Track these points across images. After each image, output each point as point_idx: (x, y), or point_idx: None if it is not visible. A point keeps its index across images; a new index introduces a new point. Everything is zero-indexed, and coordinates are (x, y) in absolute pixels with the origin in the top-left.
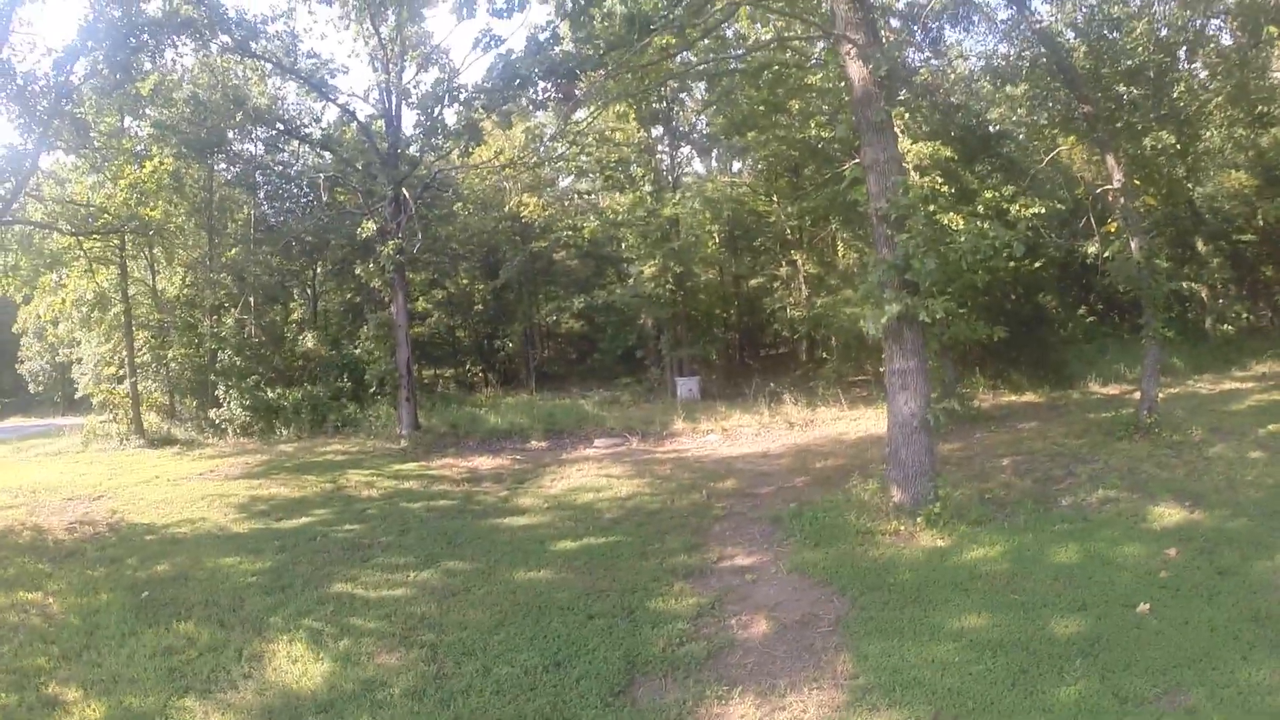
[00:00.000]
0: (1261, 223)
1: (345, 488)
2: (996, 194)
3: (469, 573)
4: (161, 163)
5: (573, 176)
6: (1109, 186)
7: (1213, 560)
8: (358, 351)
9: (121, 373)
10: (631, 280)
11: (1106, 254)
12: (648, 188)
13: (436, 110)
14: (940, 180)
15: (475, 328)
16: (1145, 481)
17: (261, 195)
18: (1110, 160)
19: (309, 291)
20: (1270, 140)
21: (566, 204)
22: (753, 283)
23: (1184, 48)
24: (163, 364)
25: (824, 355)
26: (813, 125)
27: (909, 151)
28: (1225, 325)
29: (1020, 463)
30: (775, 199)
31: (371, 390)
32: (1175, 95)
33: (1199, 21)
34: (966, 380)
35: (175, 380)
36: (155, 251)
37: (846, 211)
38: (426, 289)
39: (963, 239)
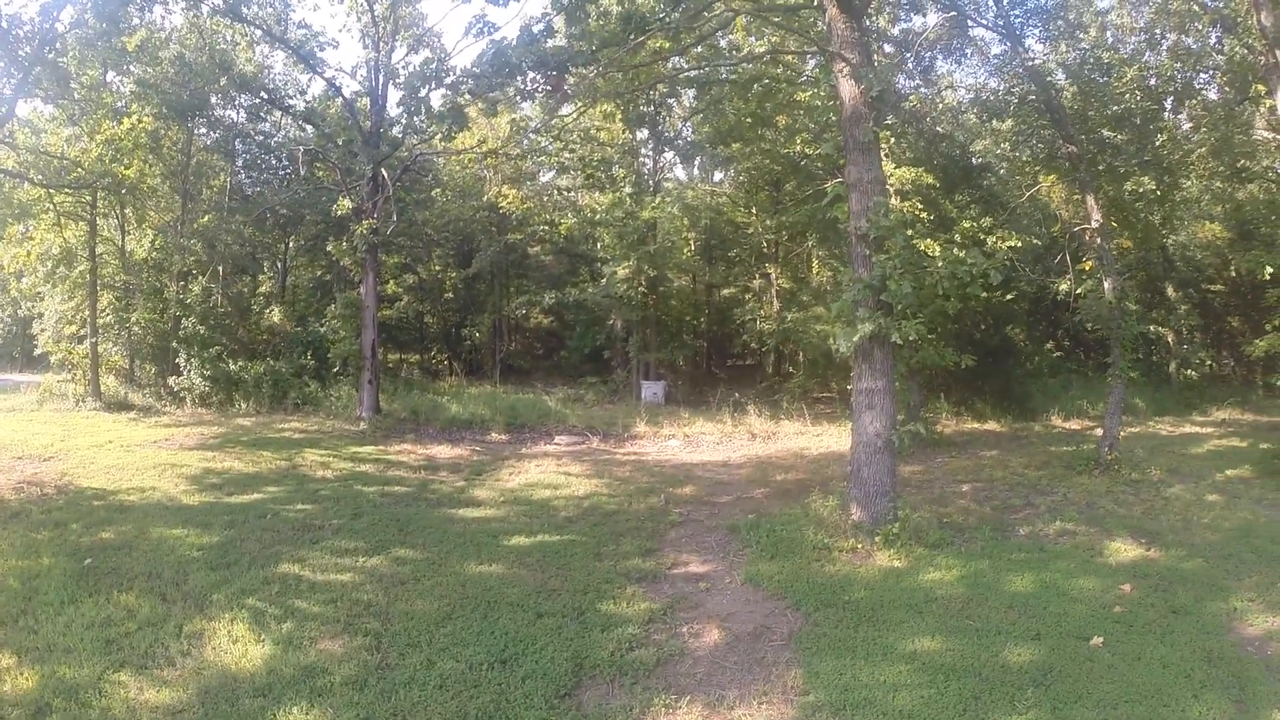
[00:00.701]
0: (1233, 274)
1: (300, 466)
2: (975, 224)
3: (419, 562)
4: (140, 120)
5: (554, 172)
6: (1086, 226)
7: (1167, 598)
8: (323, 330)
9: (83, 332)
10: (605, 280)
11: (1079, 291)
12: (628, 189)
13: (423, 90)
14: (920, 207)
15: (444, 315)
16: (1103, 517)
17: (239, 164)
18: (1090, 200)
19: (280, 265)
20: (1247, 195)
21: (546, 199)
22: (725, 292)
23: (1171, 97)
24: (125, 327)
25: (790, 370)
26: (798, 141)
27: (892, 175)
28: (1189, 371)
29: (980, 489)
30: (754, 211)
31: (335, 370)
32: (1159, 143)
33: (1188, 74)
34: (931, 405)
35: (137, 345)
36: (127, 212)
37: (825, 229)
38: (399, 273)
39: (941, 264)
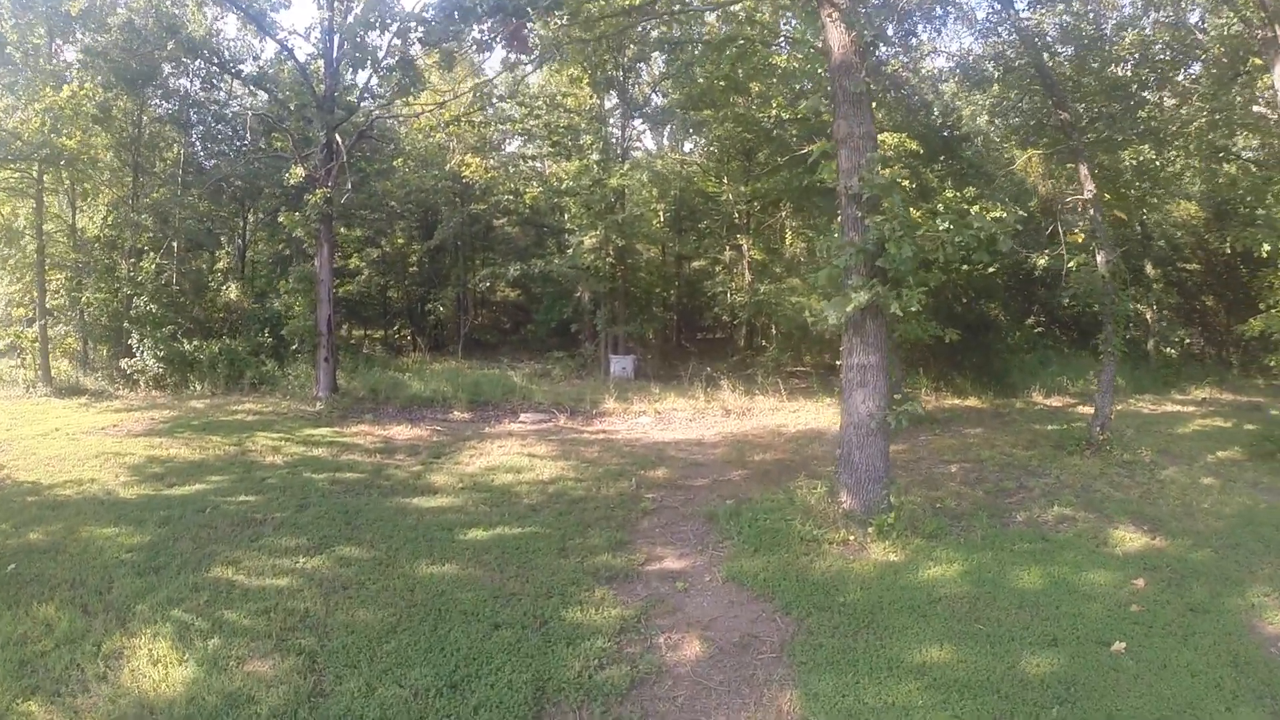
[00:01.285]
0: (1208, 253)
1: (250, 452)
2: (957, 194)
3: (365, 562)
4: (82, 88)
5: (520, 140)
6: (1079, 197)
7: (1182, 595)
8: (277, 305)
9: (32, 315)
10: (571, 250)
11: (1071, 265)
12: (595, 156)
13: (370, 36)
14: (905, 174)
15: (408, 289)
16: (1101, 501)
17: (194, 136)
18: (1083, 170)
19: (239, 241)
20: (1226, 176)
21: (511, 170)
22: (695, 265)
23: (1165, 69)
24: (77, 308)
25: (763, 343)
26: (774, 106)
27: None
28: (1168, 349)
29: (970, 471)
30: (725, 180)
31: (292, 348)
32: (1151, 113)
33: (1182, 48)
34: (911, 381)
35: (90, 326)
36: (78, 187)
37: (800, 197)
38: (361, 246)
39: (944, 226)
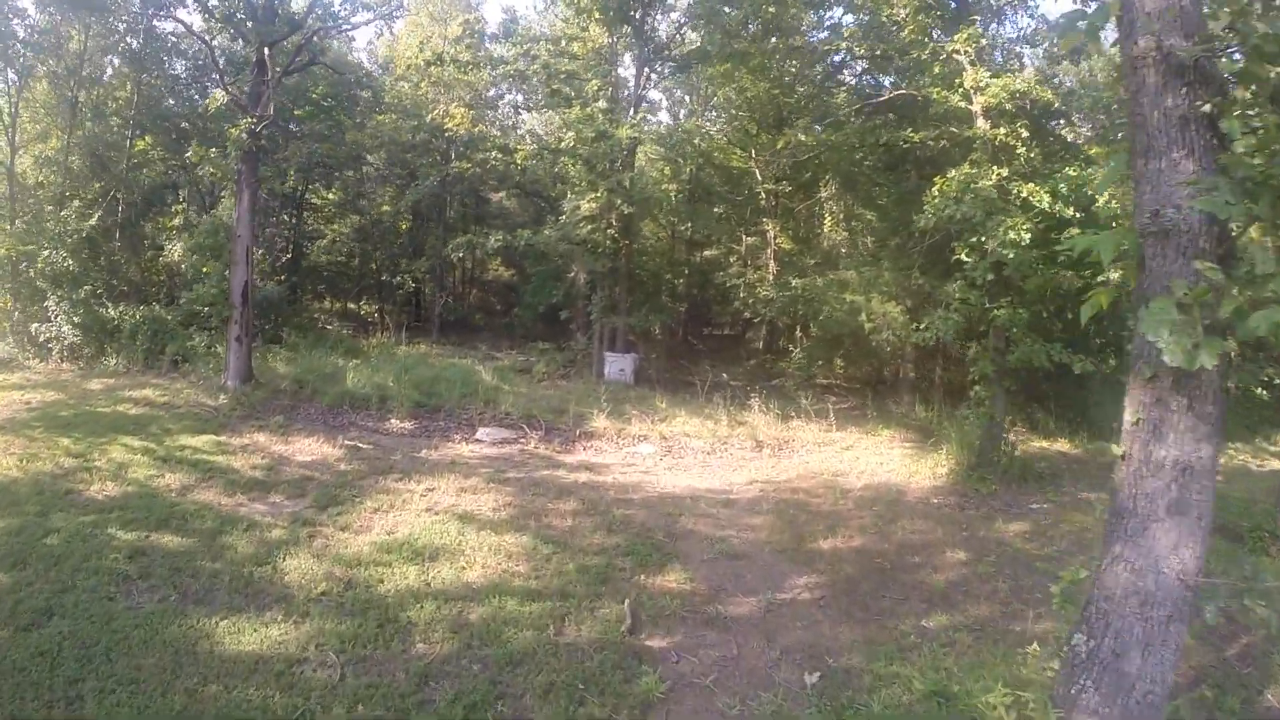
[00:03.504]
0: None
1: (87, 470)
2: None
3: None
4: None
5: (513, 92)
6: None
7: None
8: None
9: None
10: (564, 216)
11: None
12: (602, 104)
13: None
14: (1023, 134)
15: (383, 262)
16: None
17: (154, 76)
18: None
19: (199, 191)
20: None
21: (503, 126)
22: (707, 253)
23: None
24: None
25: (788, 347)
26: (844, 39)
27: (985, 89)
28: (1260, 390)
29: None
30: (753, 154)
31: (211, 323)
32: None
33: None
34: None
35: (20, 285)
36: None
37: (849, 169)
38: (341, 210)
39: None
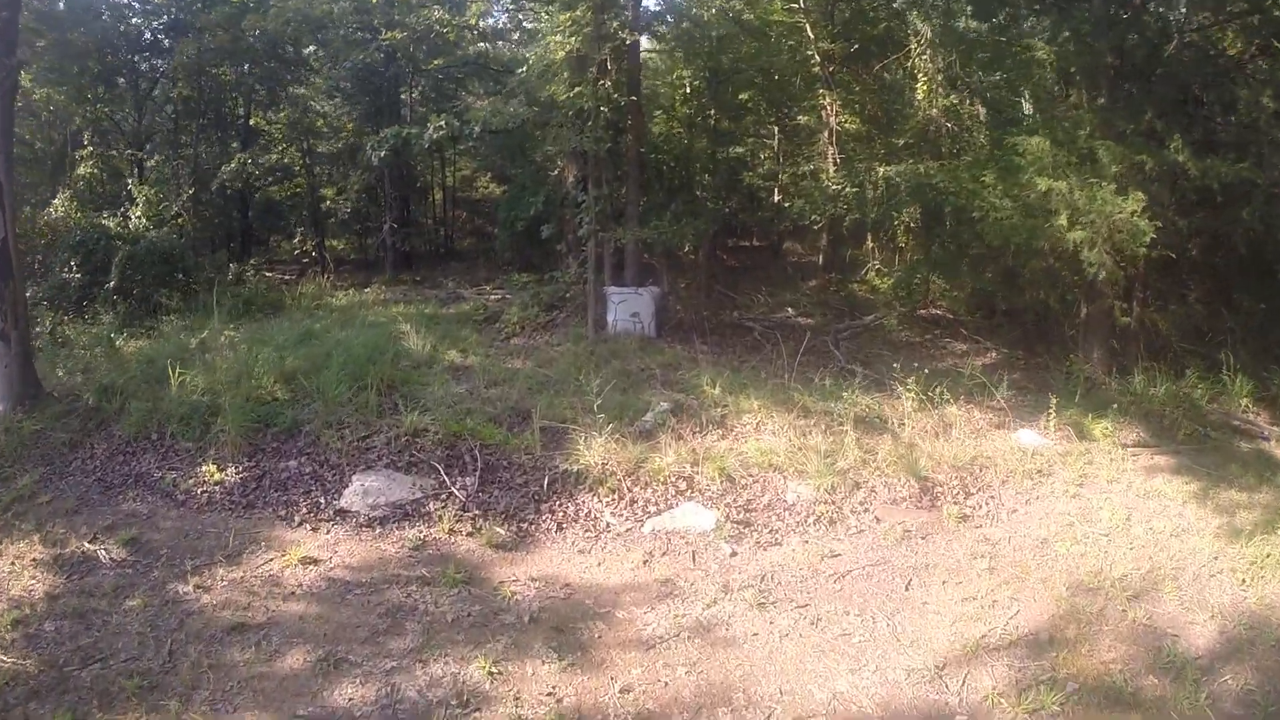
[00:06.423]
0: None
1: None
2: None
3: None
4: None
5: None
6: None
7: None
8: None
9: None
10: (523, 70)
11: None
12: None
13: None
14: None
15: (325, 181)
16: None
17: None
18: None
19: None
20: None
21: None
22: (734, 150)
23: None
24: None
25: (858, 255)
26: None
27: None
28: None
29: None
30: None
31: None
32: None
33: None
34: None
35: None
36: None
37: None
38: (290, 135)
39: None
